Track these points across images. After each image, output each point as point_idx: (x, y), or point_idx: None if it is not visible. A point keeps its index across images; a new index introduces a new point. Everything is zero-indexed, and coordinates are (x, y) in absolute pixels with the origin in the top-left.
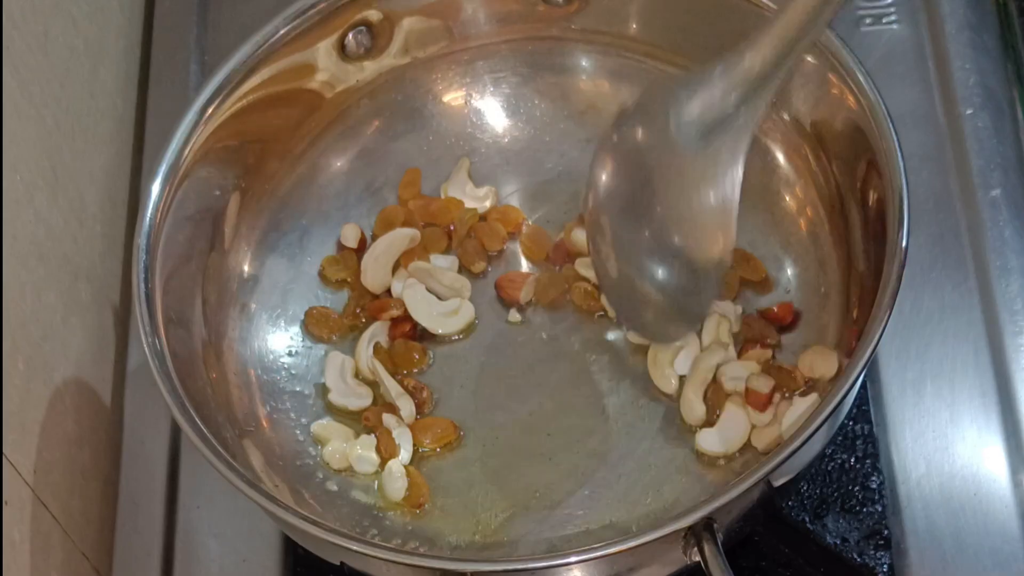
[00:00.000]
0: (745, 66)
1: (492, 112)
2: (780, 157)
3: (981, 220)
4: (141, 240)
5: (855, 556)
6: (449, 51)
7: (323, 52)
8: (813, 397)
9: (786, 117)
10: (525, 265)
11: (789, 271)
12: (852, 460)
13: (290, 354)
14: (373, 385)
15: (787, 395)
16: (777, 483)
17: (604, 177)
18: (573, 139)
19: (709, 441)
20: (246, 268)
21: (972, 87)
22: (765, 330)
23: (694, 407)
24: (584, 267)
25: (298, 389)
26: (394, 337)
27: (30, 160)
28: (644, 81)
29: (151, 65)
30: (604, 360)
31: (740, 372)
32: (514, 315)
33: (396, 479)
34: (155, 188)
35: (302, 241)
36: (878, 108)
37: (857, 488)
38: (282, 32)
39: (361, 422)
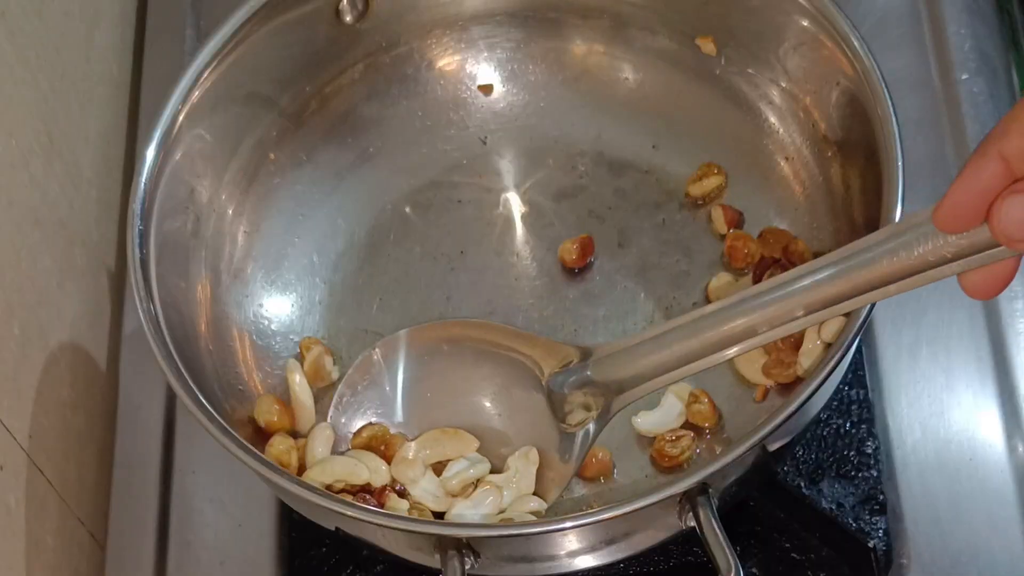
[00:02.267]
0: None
1: (487, 77)
2: (774, 121)
3: None
4: (136, 205)
5: (850, 521)
6: (444, 16)
7: (317, 17)
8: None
9: (781, 82)
10: None
11: None
12: (847, 425)
13: (285, 319)
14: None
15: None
16: (772, 448)
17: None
18: (568, 104)
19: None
20: (241, 233)
21: (968, 52)
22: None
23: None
24: None
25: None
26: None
27: (25, 125)
28: (637, 48)
29: (147, 29)
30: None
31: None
32: None
33: None
34: (150, 153)
35: (297, 206)
36: (873, 73)
37: (852, 453)
38: None
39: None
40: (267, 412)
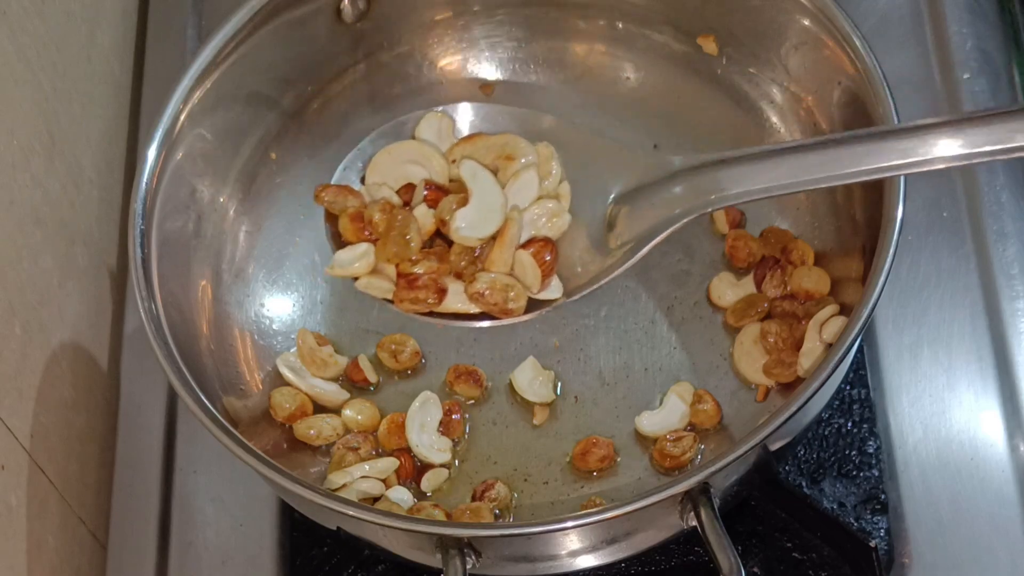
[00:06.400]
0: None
1: (488, 77)
2: (775, 120)
3: (978, 185)
4: (137, 205)
5: (852, 520)
6: (446, 16)
7: (319, 17)
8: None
9: (782, 81)
10: None
11: None
12: (849, 424)
13: (286, 319)
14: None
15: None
16: (773, 447)
17: None
18: (569, 104)
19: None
20: (243, 232)
21: (969, 51)
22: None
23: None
24: None
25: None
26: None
27: (27, 125)
28: (638, 48)
29: (148, 29)
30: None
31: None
32: None
33: None
34: (151, 153)
35: (299, 205)
36: (875, 73)
37: (854, 453)
38: None
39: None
40: (284, 404)
